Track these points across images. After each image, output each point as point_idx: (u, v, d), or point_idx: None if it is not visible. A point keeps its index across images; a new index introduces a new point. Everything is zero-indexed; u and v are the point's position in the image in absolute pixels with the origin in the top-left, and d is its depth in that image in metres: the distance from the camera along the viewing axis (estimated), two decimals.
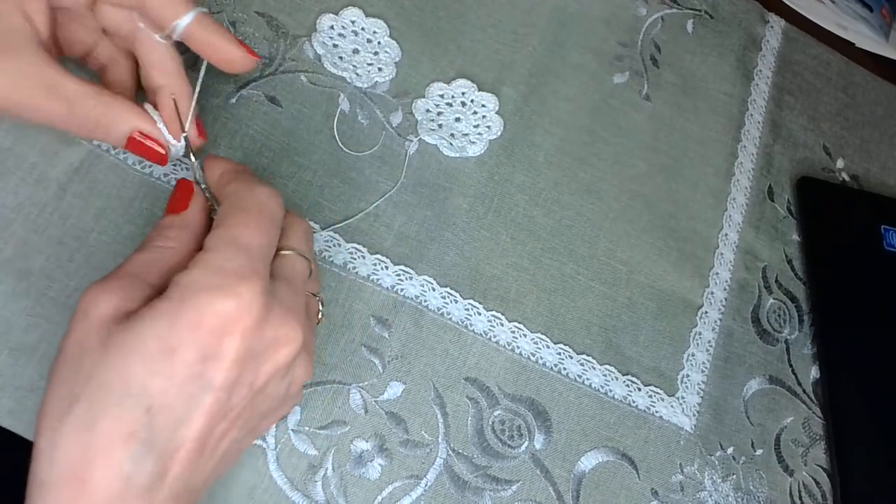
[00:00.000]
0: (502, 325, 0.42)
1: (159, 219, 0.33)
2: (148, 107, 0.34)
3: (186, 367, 0.26)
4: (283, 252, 0.32)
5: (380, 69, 0.44)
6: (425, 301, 0.41)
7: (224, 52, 0.34)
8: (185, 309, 0.26)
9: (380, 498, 0.37)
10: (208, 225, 0.33)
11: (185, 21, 0.32)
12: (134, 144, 0.33)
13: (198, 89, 0.35)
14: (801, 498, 0.45)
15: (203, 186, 0.34)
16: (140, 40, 0.34)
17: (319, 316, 0.35)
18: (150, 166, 0.38)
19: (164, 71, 0.34)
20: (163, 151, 0.33)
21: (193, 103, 0.34)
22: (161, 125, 0.33)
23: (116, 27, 0.34)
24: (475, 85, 0.46)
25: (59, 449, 0.26)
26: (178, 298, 0.27)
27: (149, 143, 0.33)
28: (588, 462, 0.41)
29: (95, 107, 0.31)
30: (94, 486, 0.25)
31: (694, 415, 0.44)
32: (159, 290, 0.28)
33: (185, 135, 0.34)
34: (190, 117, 0.34)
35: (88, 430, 0.26)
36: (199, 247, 0.29)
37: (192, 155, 0.35)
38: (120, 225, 0.37)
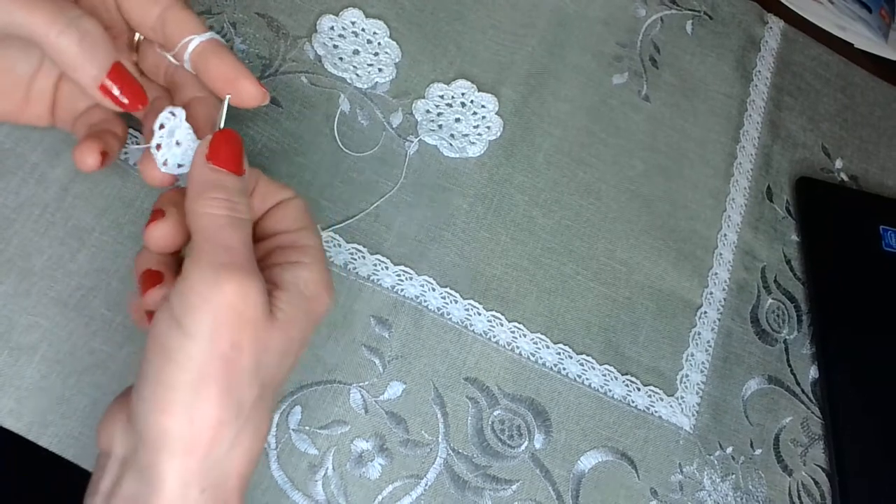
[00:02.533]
0: (502, 325, 0.42)
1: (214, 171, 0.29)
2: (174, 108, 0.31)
3: (296, 354, 0.30)
4: None
5: (380, 70, 0.44)
6: (425, 301, 0.41)
7: (236, 83, 0.31)
8: (316, 305, 0.30)
9: (380, 497, 0.37)
10: None
11: (198, 40, 0.31)
12: (116, 74, 0.30)
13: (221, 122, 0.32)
14: (799, 498, 0.45)
15: None
16: (173, 73, 0.33)
17: None
18: None
19: (196, 87, 0.33)
20: (133, 93, 0.30)
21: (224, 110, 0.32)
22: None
23: (155, 71, 0.34)
24: (475, 85, 0.46)
25: (230, 453, 0.27)
26: (311, 297, 0.30)
27: (122, 87, 0.30)
28: (587, 462, 0.41)
29: (95, 28, 0.29)
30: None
31: (693, 415, 0.44)
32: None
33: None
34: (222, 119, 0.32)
35: (256, 435, 0.28)
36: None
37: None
38: (121, 225, 0.37)
